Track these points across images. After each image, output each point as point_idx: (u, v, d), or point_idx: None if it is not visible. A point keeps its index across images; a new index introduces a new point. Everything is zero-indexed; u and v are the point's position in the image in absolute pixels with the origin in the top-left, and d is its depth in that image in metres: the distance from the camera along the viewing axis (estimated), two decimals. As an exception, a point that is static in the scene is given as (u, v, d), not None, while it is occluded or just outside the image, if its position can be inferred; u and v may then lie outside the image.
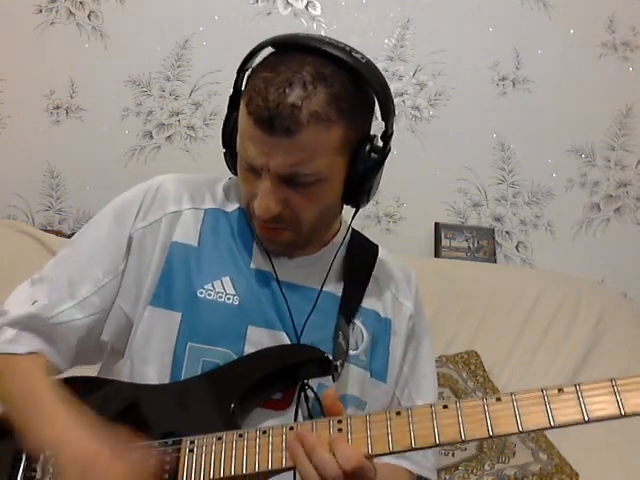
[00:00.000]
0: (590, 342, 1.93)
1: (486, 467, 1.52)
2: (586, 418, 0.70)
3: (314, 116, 0.84)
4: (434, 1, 2.20)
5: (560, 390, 0.72)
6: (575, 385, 0.72)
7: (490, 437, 0.72)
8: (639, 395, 0.70)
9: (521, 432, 0.71)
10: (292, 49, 0.88)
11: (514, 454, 1.55)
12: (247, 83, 0.90)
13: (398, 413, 0.76)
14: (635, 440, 1.57)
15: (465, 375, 1.78)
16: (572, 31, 2.22)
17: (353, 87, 0.88)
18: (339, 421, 0.77)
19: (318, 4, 2.18)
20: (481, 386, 1.77)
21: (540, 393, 0.72)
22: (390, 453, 0.75)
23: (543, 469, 1.51)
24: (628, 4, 2.22)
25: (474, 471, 1.51)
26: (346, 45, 0.89)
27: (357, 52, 0.89)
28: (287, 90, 0.83)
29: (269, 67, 0.87)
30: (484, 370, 1.82)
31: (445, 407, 0.74)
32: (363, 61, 0.88)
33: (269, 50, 0.92)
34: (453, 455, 1.55)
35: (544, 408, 0.71)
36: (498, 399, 0.73)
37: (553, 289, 2.01)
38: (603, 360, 1.90)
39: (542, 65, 2.22)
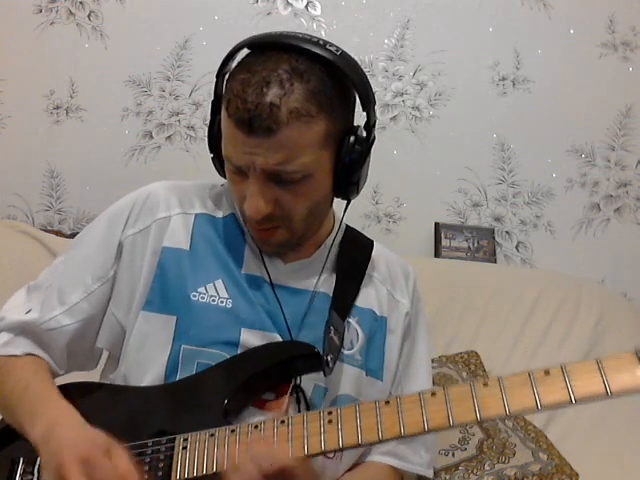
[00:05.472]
0: (590, 342, 1.92)
1: (486, 467, 1.52)
2: (573, 399, 0.69)
3: (294, 113, 0.84)
4: (434, 1, 2.19)
5: (547, 372, 0.72)
6: (561, 366, 0.72)
7: (478, 422, 0.73)
8: (625, 374, 0.70)
9: (509, 415, 0.71)
10: (267, 48, 0.88)
11: (514, 454, 1.54)
12: (226, 87, 0.90)
13: (387, 402, 0.77)
14: (635, 440, 1.57)
15: (465, 375, 1.78)
16: (572, 31, 2.22)
17: (330, 80, 0.88)
18: (329, 412, 0.79)
19: (318, 4, 2.18)
20: (481, 386, 1.76)
21: (527, 376, 0.72)
22: (380, 442, 0.76)
23: (543, 469, 1.51)
24: (628, 4, 2.22)
25: (474, 471, 1.51)
26: (320, 39, 0.89)
27: (331, 45, 0.89)
28: (264, 89, 0.83)
29: (245, 68, 0.87)
30: (484, 370, 1.82)
31: (433, 394, 0.75)
32: (338, 53, 0.88)
33: (246, 52, 0.92)
34: (453, 455, 1.55)
35: (531, 391, 0.71)
36: (485, 384, 0.74)
37: (553, 289, 2.00)
38: (603, 360, 1.90)
39: (542, 65, 2.22)
